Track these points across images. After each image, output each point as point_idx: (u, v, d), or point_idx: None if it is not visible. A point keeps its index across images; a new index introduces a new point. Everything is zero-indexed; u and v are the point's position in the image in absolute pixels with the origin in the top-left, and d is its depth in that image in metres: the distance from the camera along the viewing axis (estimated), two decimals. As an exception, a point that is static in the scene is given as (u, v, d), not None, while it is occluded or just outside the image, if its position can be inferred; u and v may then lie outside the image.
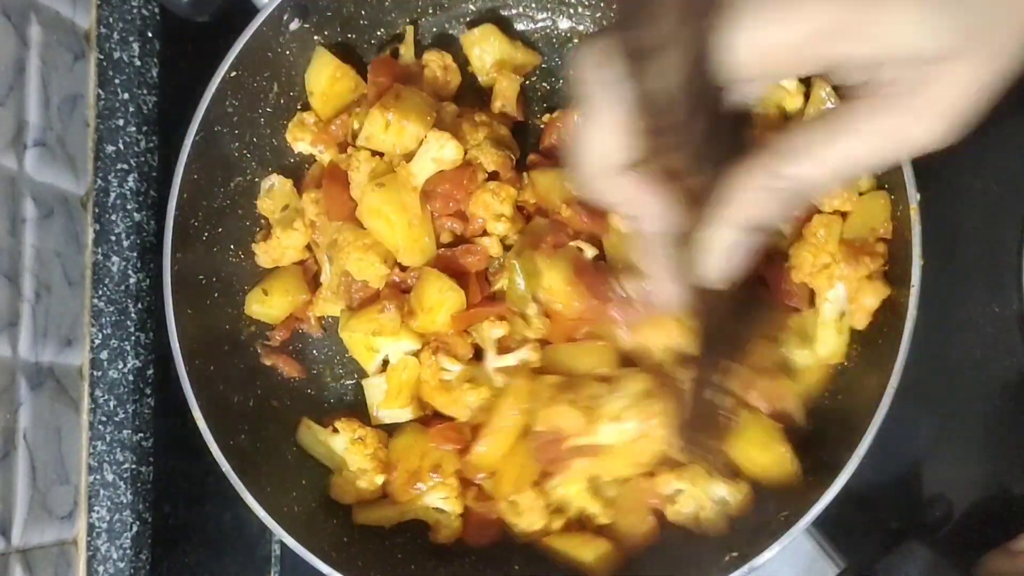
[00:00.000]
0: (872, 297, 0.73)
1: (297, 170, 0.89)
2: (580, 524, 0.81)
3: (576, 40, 0.90)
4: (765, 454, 0.75)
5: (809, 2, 0.37)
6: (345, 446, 0.83)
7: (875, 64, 0.38)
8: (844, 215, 0.76)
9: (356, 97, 0.86)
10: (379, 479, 0.83)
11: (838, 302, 0.75)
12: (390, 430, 0.85)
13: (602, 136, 0.41)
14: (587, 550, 0.79)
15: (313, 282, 0.88)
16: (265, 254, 0.86)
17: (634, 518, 0.80)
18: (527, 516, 0.79)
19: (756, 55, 0.37)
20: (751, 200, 0.41)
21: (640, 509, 0.79)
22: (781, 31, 0.37)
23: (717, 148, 0.41)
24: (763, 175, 0.40)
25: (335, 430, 0.84)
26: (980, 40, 0.36)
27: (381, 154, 0.83)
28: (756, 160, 0.41)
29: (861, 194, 0.76)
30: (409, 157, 0.81)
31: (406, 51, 0.88)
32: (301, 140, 0.86)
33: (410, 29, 0.88)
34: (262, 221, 0.89)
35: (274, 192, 0.87)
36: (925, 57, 0.36)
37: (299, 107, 0.88)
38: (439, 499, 0.81)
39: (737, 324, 0.53)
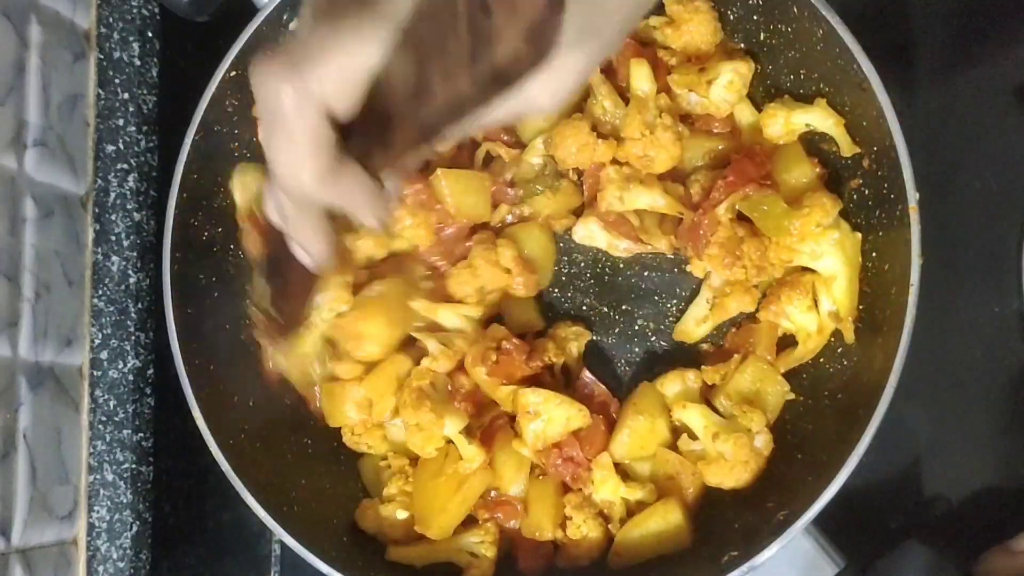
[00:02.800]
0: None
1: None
2: (629, 515, 0.80)
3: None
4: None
5: None
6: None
7: None
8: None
9: None
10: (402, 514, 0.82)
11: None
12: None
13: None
14: (672, 513, 0.77)
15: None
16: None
17: (682, 480, 0.79)
18: (577, 524, 0.79)
19: None
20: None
21: (683, 469, 0.79)
22: None
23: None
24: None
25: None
26: (592, 35, 0.46)
27: None
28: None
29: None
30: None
31: None
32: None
33: None
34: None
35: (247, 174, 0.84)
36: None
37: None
38: (474, 542, 0.80)
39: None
